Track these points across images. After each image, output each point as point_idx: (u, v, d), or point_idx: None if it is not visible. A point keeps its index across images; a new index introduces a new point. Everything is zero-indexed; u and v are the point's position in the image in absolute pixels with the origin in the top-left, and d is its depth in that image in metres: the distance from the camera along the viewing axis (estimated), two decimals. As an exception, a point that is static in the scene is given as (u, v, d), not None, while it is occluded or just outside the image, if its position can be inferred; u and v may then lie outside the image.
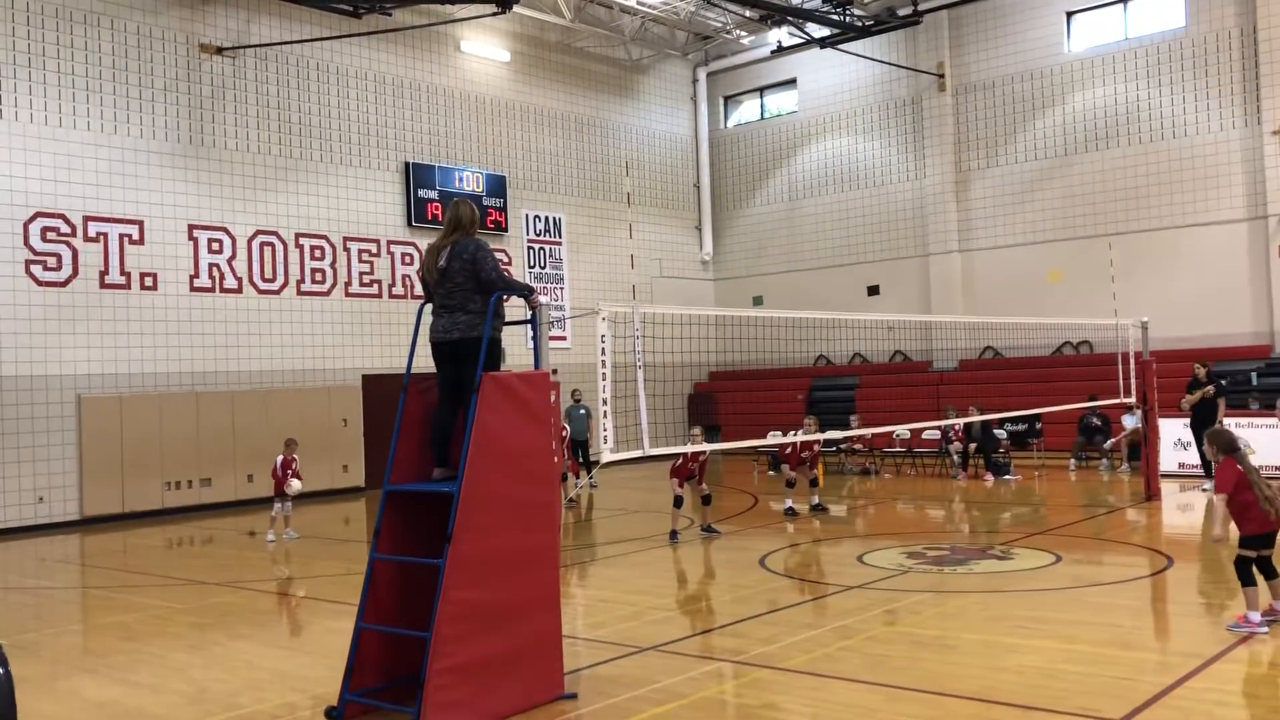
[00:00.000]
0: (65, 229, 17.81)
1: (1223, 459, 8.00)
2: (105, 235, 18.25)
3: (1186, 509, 14.98)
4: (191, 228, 19.32)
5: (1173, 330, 21.28)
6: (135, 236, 18.60)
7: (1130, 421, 19.16)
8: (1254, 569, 7.86)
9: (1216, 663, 7.06)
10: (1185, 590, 9.83)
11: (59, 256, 17.72)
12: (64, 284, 17.76)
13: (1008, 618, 8.62)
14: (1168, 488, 16.37)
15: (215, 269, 19.59)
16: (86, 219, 18.04)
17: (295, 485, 14.45)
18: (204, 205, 19.50)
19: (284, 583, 12.10)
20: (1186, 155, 22.26)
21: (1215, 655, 7.22)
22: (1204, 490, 16.25)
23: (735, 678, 7.27)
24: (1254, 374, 20.27)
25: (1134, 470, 18.50)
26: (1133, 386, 16.00)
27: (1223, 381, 16.85)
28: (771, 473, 21.53)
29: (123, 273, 18.42)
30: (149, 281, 18.72)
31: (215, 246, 19.61)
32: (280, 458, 14.64)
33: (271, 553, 14.04)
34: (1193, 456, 17.65)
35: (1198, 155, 22.13)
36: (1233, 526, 7.97)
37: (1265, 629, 7.69)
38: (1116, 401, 16.78)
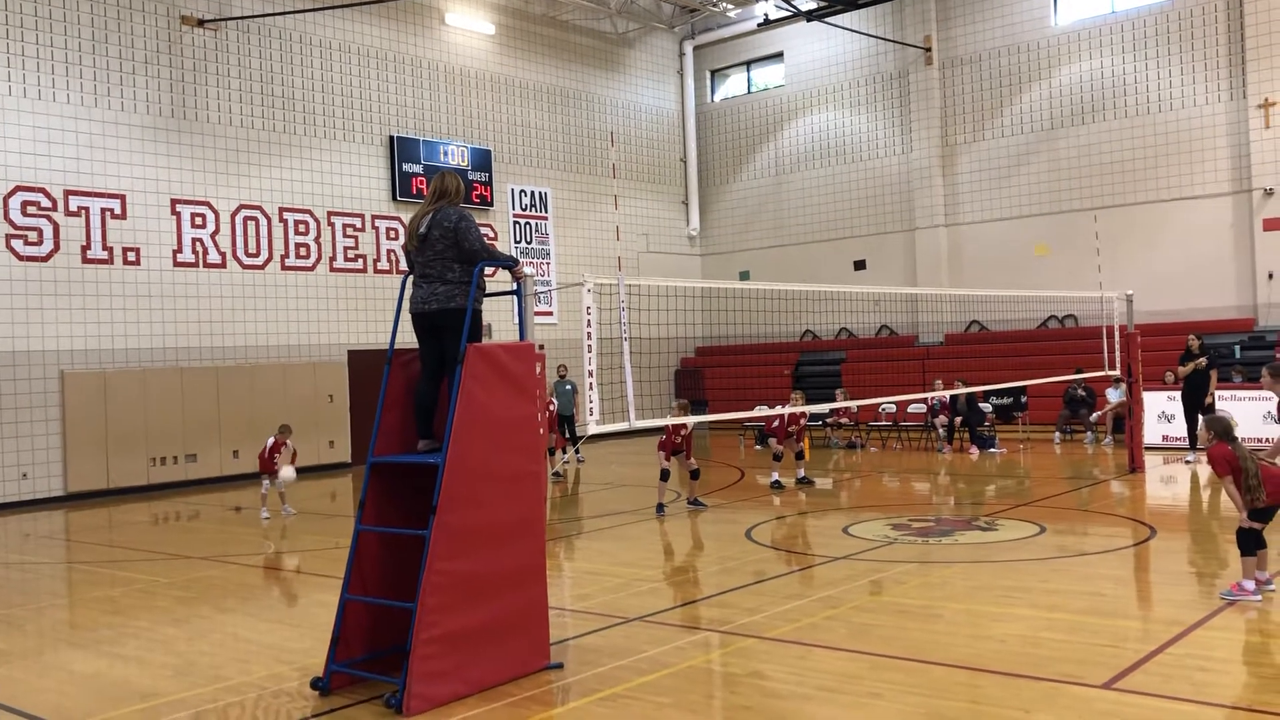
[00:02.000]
0: (46, 203, 17.65)
1: (1215, 444, 8.05)
2: (86, 210, 18.10)
3: (1169, 481, 15.08)
4: (174, 202, 19.19)
5: (1158, 304, 21.37)
6: (117, 211, 18.45)
7: (1115, 395, 19.27)
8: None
9: (1197, 630, 7.13)
10: (1168, 560, 9.90)
11: (40, 231, 17.58)
12: (45, 259, 17.62)
13: (992, 587, 8.68)
14: (1151, 460, 16.48)
15: (199, 244, 19.47)
16: (67, 193, 17.88)
17: (287, 473, 14.22)
18: (186, 179, 19.35)
19: (270, 557, 12.09)
20: (1172, 129, 22.29)
21: (1196, 622, 7.29)
22: (1187, 462, 16.38)
23: (721, 647, 7.31)
24: (1237, 347, 20.38)
25: (1118, 443, 18.61)
26: (1117, 359, 16.07)
27: (1212, 354, 16.95)
28: (758, 447, 21.60)
29: (105, 247, 18.29)
30: (131, 256, 18.60)
31: (198, 221, 19.48)
32: (271, 440, 14.52)
33: (259, 528, 14.01)
34: (1176, 429, 17.77)
35: (1183, 129, 22.16)
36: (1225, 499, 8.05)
37: (1258, 597, 7.78)
38: (1101, 374, 16.85)
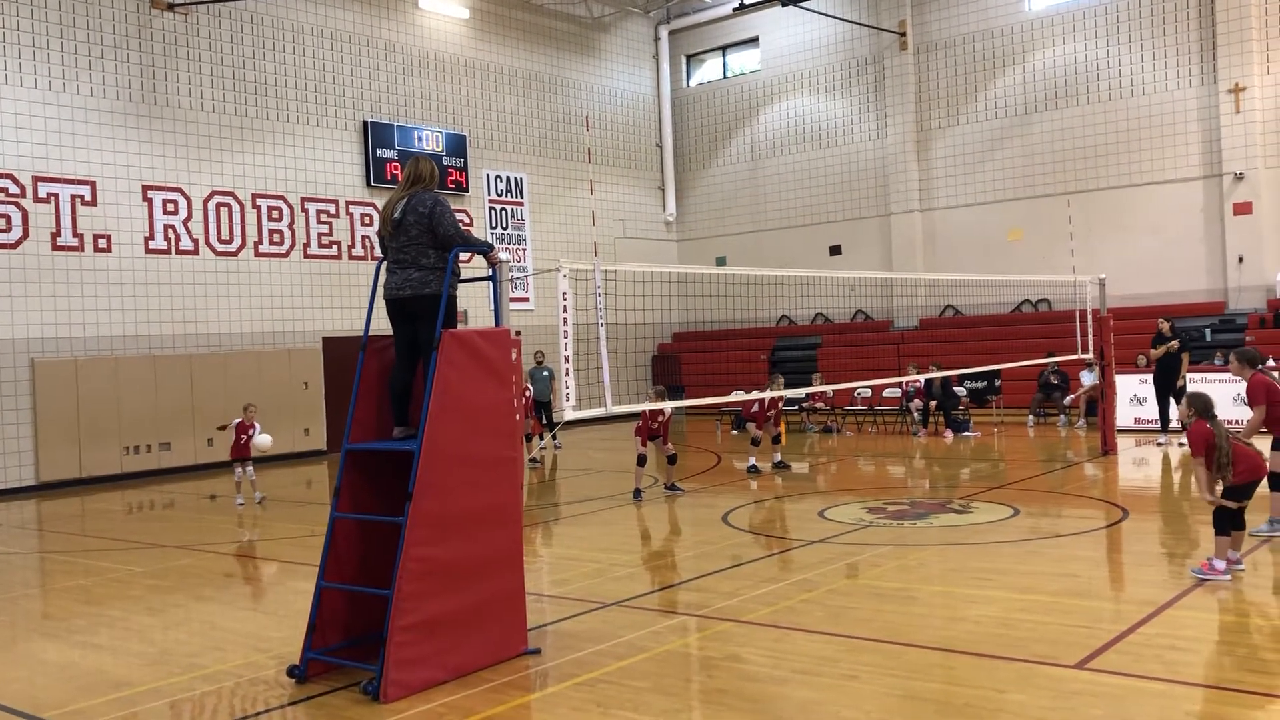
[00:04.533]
0: (14, 189, 17.42)
1: (1194, 421, 8.10)
2: (56, 196, 17.88)
3: (1142, 463, 15.23)
4: (145, 188, 18.98)
5: (1130, 287, 21.54)
6: (87, 197, 18.24)
7: (1088, 378, 19.42)
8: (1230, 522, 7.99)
9: (1168, 609, 7.21)
10: (1140, 541, 10.00)
11: (8, 218, 17.35)
12: (14, 246, 17.41)
13: (966, 569, 8.75)
14: (1123, 442, 16.64)
15: (171, 230, 19.28)
16: (36, 179, 17.66)
17: (264, 441, 14.26)
18: (158, 165, 19.15)
19: (246, 545, 12.03)
20: (1144, 114, 22.44)
21: (1168, 602, 7.37)
22: (1158, 444, 16.54)
23: (698, 631, 7.33)
24: (1208, 330, 20.58)
25: (1090, 426, 18.77)
26: (1090, 343, 16.20)
27: (1183, 337, 17.10)
28: (734, 432, 21.65)
29: (75, 234, 18.09)
30: (102, 243, 18.40)
31: (170, 207, 19.29)
32: (237, 421, 14.49)
33: (233, 516, 13.93)
34: (1148, 411, 17.93)
35: (1155, 114, 22.31)
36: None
37: (1228, 576, 7.87)
38: (1074, 358, 16.99)
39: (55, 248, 17.85)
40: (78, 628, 8.20)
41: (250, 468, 14.58)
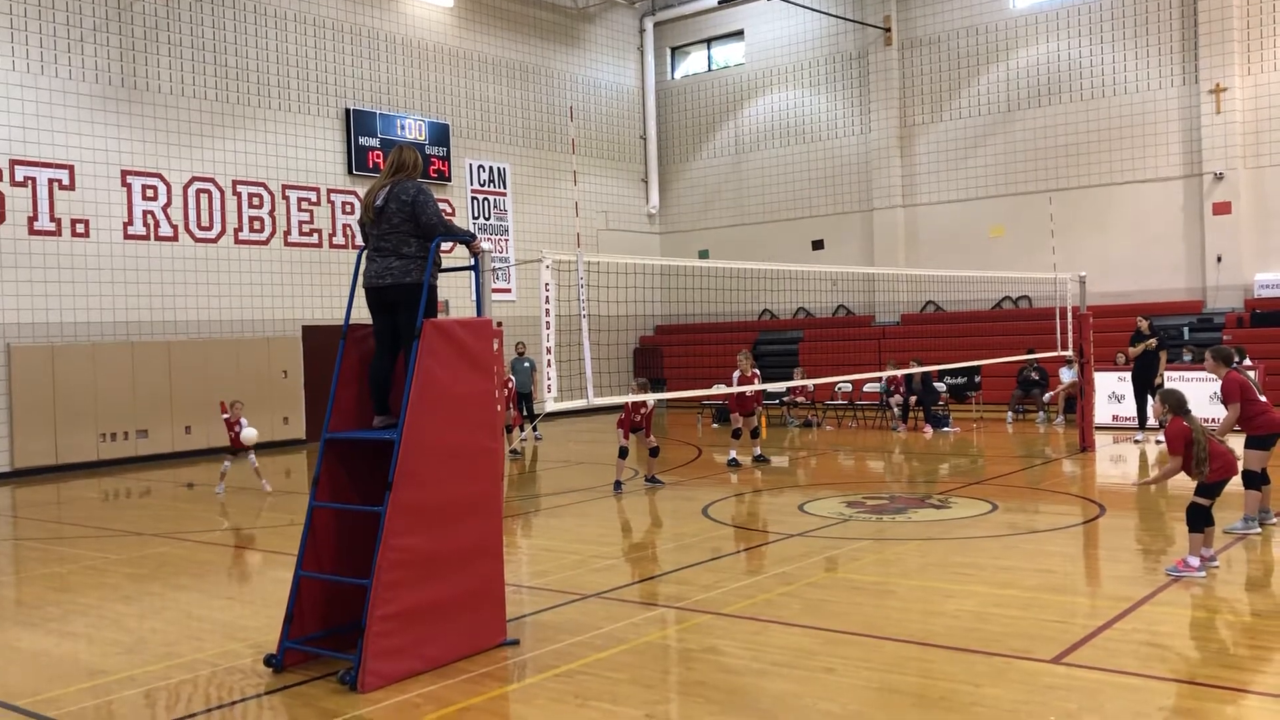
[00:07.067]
0: (-9, 173, 17.25)
1: (1170, 419, 8.15)
2: (33, 180, 17.70)
3: (1119, 460, 15.33)
4: (124, 173, 18.81)
5: (1109, 285, 21.67)
6: (65, 181, 18.07)
7: (1068, 375, 19.53)
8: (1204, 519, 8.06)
9: (1144, 605, 7.26)
10: (1116, 537, 10.07)
11: (-15, 201, 17.19)
12: (-9, 230, 17.25)
13: (944, 564, 8.79)
14: (1101, 439, 16.74)
15: (150, 216, 19.12)
16: (13, 162, 17.47)
17: (250, 434, 14.12)
18: (137, 150, 18.98)
19: (224, 534, 11.96)
20: (1125, 112, 22.55)
21: (1143, 598, 7.43)
22: (1136, 442, 16.66)
23: (677, 623, 7.34)
24: (1186, 328, 20.72)
25: (1069, 422, 18.88)
26: (1070, 340, 16.29)
27: (1161, 335, 17.21)
28: (715, 425, 21.68)
29: (53, 219, 17.91)
30: (80, 228, 18.23)
31: (149, 193, 19.13)
32: (225, 417, 14.34)
33: (212, 504, 13.84)
34: (1125, 409, 18.06)
35: (1136, 112, 22.42)
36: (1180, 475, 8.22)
37: (1203, 574, 7.93)
38: (1054, 355, 17.08)
39: (32, 232, 17.67)
40: (52, 615, 8.14)
41: (253, 455, 14.35)
